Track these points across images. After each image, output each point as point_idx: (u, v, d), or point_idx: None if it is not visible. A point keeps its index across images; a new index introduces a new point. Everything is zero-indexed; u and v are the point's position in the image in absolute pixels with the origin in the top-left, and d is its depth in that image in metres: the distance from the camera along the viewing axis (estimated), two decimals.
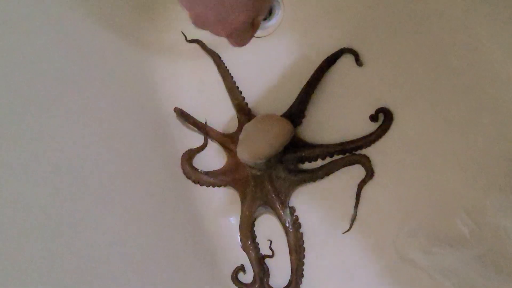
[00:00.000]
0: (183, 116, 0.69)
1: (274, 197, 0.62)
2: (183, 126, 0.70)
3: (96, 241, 0.48)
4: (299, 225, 0.63)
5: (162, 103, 0.71)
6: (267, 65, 0.68)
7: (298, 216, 0.63)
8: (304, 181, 0.63)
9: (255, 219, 0.66)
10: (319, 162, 0.63)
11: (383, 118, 0.61)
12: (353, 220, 0.60)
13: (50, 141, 0.48)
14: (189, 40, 0.72)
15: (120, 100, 0.64)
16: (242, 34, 0.40)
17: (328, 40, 0.65)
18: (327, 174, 0.62)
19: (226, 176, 0.67)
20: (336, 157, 0.62)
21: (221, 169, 0.68)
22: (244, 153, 0.59)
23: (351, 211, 0.60)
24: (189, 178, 0.67)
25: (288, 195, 0.63)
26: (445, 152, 0.58)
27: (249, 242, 0.64)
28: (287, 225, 0.62)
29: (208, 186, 0.67)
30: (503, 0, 0.55)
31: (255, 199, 0.64)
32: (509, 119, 0.55)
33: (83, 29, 0.61)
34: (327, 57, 0.63)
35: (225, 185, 0.67)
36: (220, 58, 0.71)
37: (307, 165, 0.64)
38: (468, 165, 0.56)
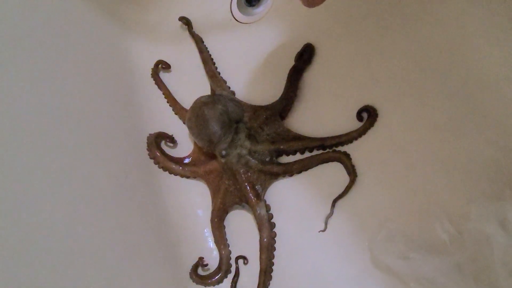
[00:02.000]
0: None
1: (249, 189, 0.58)
2: (156, 108, 0.66)
3: (45, 225, 0.44)
4: (273, 224, 0.59)
5: (137, 83, 0.68)
6: (253, 52, 0.66)
7: (273, 214, 0.59)
8: (279, 174, 0.59)
9: (227, 213, 0.62)
10: (297, 156, 0.59)
11: (367, 116, 0.58)
12: (328, 218, 0.56)
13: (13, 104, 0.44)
14: (179, 18, 0.69)
15: (91, 76, 0.61)
16: None
17: (316, 31, 0.63)
18: (304, 169, 0.58)
19: (197, 168, 0.63)
20: (315, 152, 0.58)
21: (191, 159, 0.64)
22: None
23: (327, 211, 0.57)
24: (156, 163, 0.62)
25: (263, 188, 0.59)
26: (429, 154, 0.54)
27: (222, 237, 0.60)
28: (261, 220, 0.58)
29: (176, 175, 0.62)
30: (498, 4, 0.53)
31: (228, 192, 0.60)
32: (495, 125, 0.52)
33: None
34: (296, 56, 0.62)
35: (194, 177, 0.63)
36: (203, 42, 0.68)
37: (284, 159, 0.60)
38: (452, 169, 0.53)
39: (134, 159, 0.62)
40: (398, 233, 0.52)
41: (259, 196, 0.58)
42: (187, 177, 0.63)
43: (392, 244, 0.52)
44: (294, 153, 0.59)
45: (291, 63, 0.62)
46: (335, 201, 0.56)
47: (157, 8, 0.71)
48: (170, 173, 0.63)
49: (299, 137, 0.59)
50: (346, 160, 0.57)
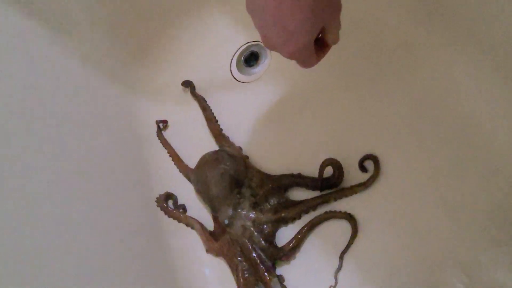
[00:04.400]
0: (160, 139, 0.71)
1: (259, 263, 0.57)
2: (165, 167, 0.69)
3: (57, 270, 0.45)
4: None
5: (145, 141, 0.71)
6: (252, 109, 0.69)
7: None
8: (280, 256, 0.58)
9: None
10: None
11: (373, 166, 0.58)
12: (337, 272, 0.55)
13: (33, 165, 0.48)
14: (182, 83, 0.73)
15: (102, 135, 0.64)
16: (305, 57, 0.43)
17: (312, 86, 0.66)
18: (308, 231, 0.58)
19: (213, 243, 0.62)
20: (319, 209, 0.59)
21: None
22: None
23: (336, 265, 0.56)
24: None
25: (271, 260, 0.58)
26: (433, 201, 0.54)
27: None
28: None
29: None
30: (488, 54, 0.55)
31: (244, 272, 0.58)
32: (495, 169, 0.53)
33: (73, 64, 0.63)
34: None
35: (207, 251, 0.62)
36: (205, 101, 0.71)
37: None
38: (458, 215, 0.53)
39: (143, 217, 0.64)
40: (410, 284, 0.51)
41: (270, 271, 0.56)
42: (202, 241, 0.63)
43: None
44: (299, 217, 0.59)
45: (288, 118, 0.66)
46: (342, 255, 0.56)
47: (163, 71, 0.76)
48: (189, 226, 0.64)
49: (300, 202, 0.59)
50: (350, 220, 0.57)
